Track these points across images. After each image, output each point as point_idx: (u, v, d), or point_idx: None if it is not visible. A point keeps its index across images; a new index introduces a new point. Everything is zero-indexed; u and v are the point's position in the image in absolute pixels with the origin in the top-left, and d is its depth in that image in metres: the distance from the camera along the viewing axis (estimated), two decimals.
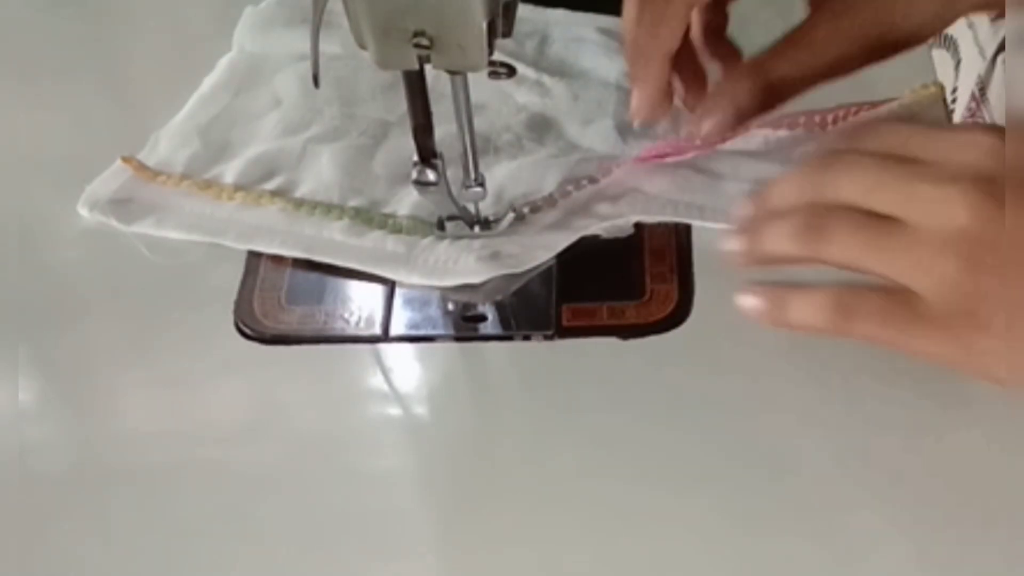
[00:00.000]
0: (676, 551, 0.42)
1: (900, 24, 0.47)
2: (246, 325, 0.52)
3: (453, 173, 0.51)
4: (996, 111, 0.59)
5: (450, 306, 0.52)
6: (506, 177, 0.56)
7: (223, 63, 0.65)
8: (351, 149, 0.58)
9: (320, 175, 0.57)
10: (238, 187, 0.57)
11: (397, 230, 0.54)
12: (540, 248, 0.52)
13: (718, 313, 0.49)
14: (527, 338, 0.50)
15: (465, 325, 0.51)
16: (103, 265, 0.56)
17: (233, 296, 0.53)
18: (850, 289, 0.41)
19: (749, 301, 0.43)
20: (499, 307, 0.52)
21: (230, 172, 0.58)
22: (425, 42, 0.44)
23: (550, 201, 0.54)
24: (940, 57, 0.64)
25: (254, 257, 0.55)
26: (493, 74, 0.47)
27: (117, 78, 0.66)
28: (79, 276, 0.56)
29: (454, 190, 0.52)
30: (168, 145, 0.60)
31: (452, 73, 0.48)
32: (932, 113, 0.59)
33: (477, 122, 0.55)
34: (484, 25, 0.43)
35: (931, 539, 0.42)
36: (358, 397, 0.50)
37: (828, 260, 0.41)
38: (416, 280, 0.52)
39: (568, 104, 0.60)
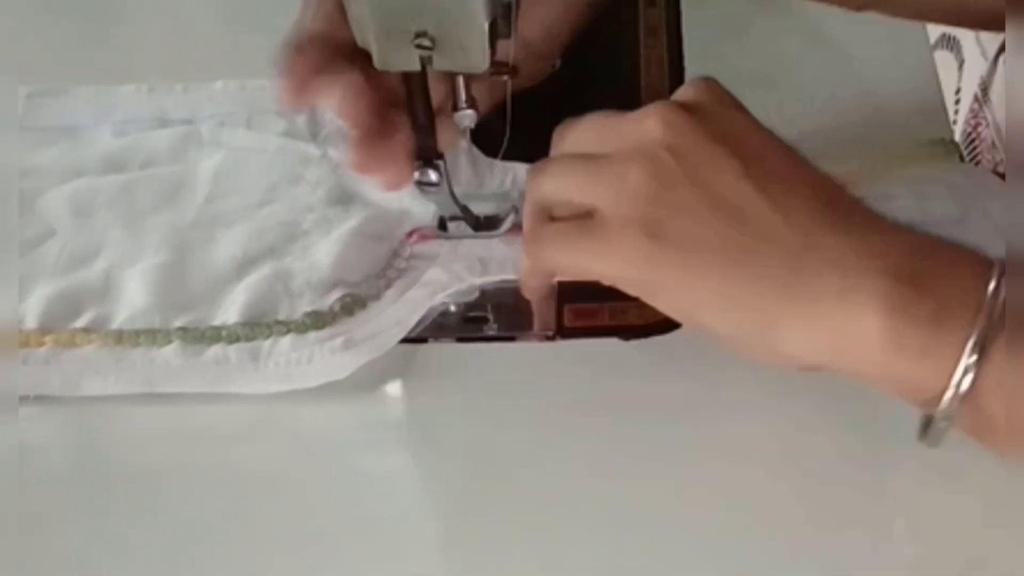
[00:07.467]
0: (677, 551, 0.42)
1: None
2: None
3: None
4: (998, 111, 0.59)
5: (452, 307, 0.52)
6: (333, 264, 0.52)
7: None
8: (155, 269, 0.52)
9: (133, 302, 0.51)
10: (45, 330, 0.50)
11: (235, 339, 0.49)
12: (394, 327, 0.50)
13: None
14: (528, 339, 0.50)
15: (467, 326, 0.51)
16: None
17: None
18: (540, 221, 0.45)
19: None
20: (501, 308, 0.52)
21: (30, 315, 0.51)
22: (427, 43, 0.44)
23: (387, 283, 0.52)
24: (943, 58, 0.64)
25: None
26: (495, 74, 0.47)
27: (117, 78, 0.66)
28: None
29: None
30: None
31: (453, 74, 0.48)
32: (948, 164, 0.54)
33: (276, 208, 0.55)
34: (486, 26, 0.43)
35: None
36: (359, 398, 0.49)
37: (547, 263, 0.46)
38: (275, 388, 0.48)
39: None
